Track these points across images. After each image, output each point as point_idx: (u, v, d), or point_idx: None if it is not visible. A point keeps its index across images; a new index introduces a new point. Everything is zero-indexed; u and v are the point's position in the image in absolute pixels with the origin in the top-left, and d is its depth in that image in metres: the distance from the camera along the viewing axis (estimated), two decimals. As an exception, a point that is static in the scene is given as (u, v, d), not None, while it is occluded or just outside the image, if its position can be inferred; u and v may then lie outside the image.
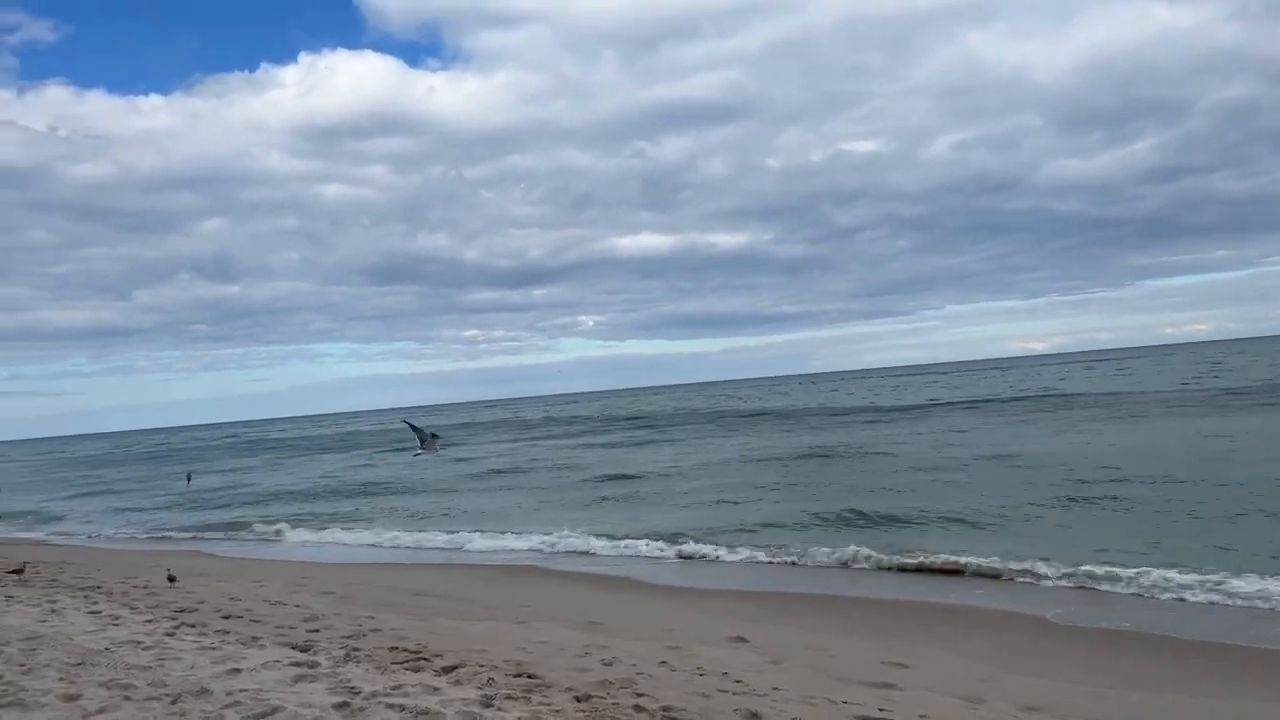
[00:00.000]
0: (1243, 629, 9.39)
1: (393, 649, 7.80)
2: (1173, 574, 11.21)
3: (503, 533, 19.31)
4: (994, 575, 12.43)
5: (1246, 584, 10.62)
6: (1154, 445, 25.32)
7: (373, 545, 19.90)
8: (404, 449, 45.48)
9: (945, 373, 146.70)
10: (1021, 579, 12.13)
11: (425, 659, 7.34)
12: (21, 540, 24.94)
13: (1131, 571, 11.48)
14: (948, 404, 54.93)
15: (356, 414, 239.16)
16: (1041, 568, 12.26)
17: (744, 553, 15.32)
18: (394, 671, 6.87)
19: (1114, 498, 17.38)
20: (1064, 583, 11.73)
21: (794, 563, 14.38)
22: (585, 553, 16.83)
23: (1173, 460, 21.47)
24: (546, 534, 18.44)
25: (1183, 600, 10.60)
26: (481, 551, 17.87)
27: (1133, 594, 11.02)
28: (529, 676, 6.79)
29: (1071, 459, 23.30)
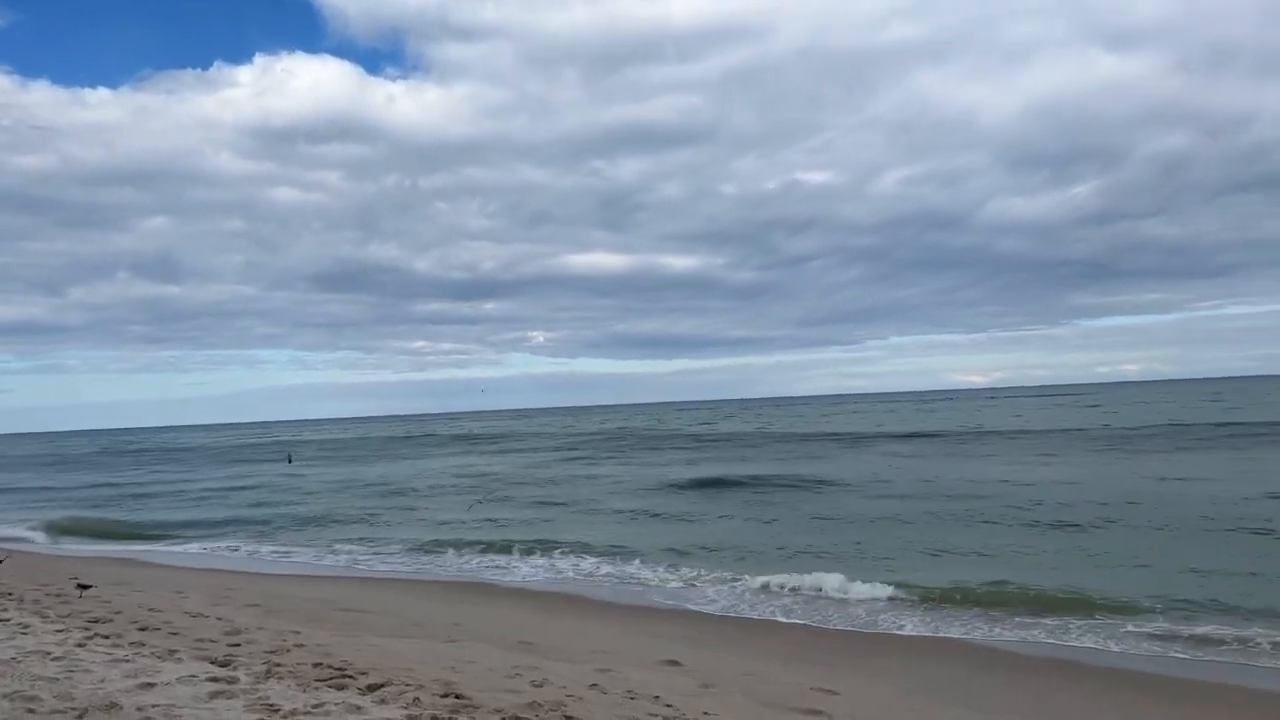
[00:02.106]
0: (1202, 667, 9.67)
1: (316, 665, 7.59)
2: (1096, 615, 11.51)
3: (439, 549, 19.06)
4: (931, 604, 12.59)
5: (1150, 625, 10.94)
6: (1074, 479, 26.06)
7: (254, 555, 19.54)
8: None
9: (884, 402, 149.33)
10: (967, 612, 12.15)
11: (350, 676, 7.16)
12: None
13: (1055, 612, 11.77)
14: (888, 434, 55.83)
15: (301, 423, 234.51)
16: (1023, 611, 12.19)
17: (680, 574, 15.34)
18: (316, 689, 6.69)
19: (1063, 525, 17.83)
20: (997, 614, 11.89)
21: (730, 588, 14.40)
22: (509, 569, 16.77)
23: (1096, 494, 22.12)
24: (481, 553, 18.33)
25: (1132, 633, 10.85)
26: (408, 566, 17.64)
27: (1063, 626, 11.25)
28: (456, 697, 6.67)
29: (1009, 491, 23.84)
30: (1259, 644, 9.99)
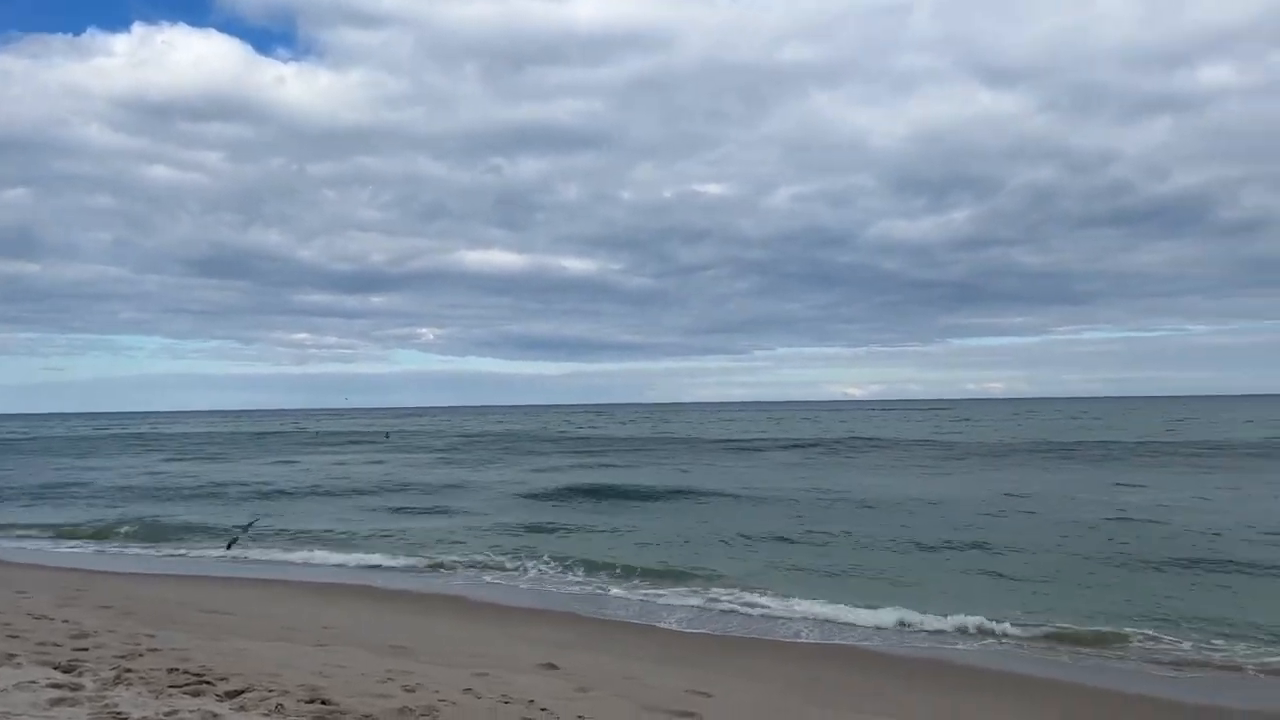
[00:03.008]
0: (1089, 671, 10.23)
1: (172, 671, 7.19)
2: (981, 620, 12.08)
3: (307, 549, 18.39)
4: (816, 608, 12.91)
5: (1017, 627, 11.60)
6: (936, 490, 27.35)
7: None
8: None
9: (766, 410, 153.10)
10: (845, 616, 12.39)
11: (208, 682, 6.81)
12: None
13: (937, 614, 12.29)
14: (774, 443, 57.20)
15: (170, 414, 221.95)
16: (859, 604, 12.73)
17: (563, 578, 15.29)
18: (170, 695, 6.33)
19: (935, 545, 18.61)
20: (882, 617, 12.19)
21: (614, 591, 14.43)
22: (382, 569, 16.41)
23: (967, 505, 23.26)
24: (349, 551, 17.82)
25: (1002, 640, 11.39)
26: (277, 564, 16.96)
27: (938, 630, 11.71)
28: (323, 703, 6.44)
29: (892, 501, 24.78)
30: (1085, 642, 10.75)
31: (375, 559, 17.20)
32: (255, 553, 18.11)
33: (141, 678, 6.86)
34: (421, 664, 8.71)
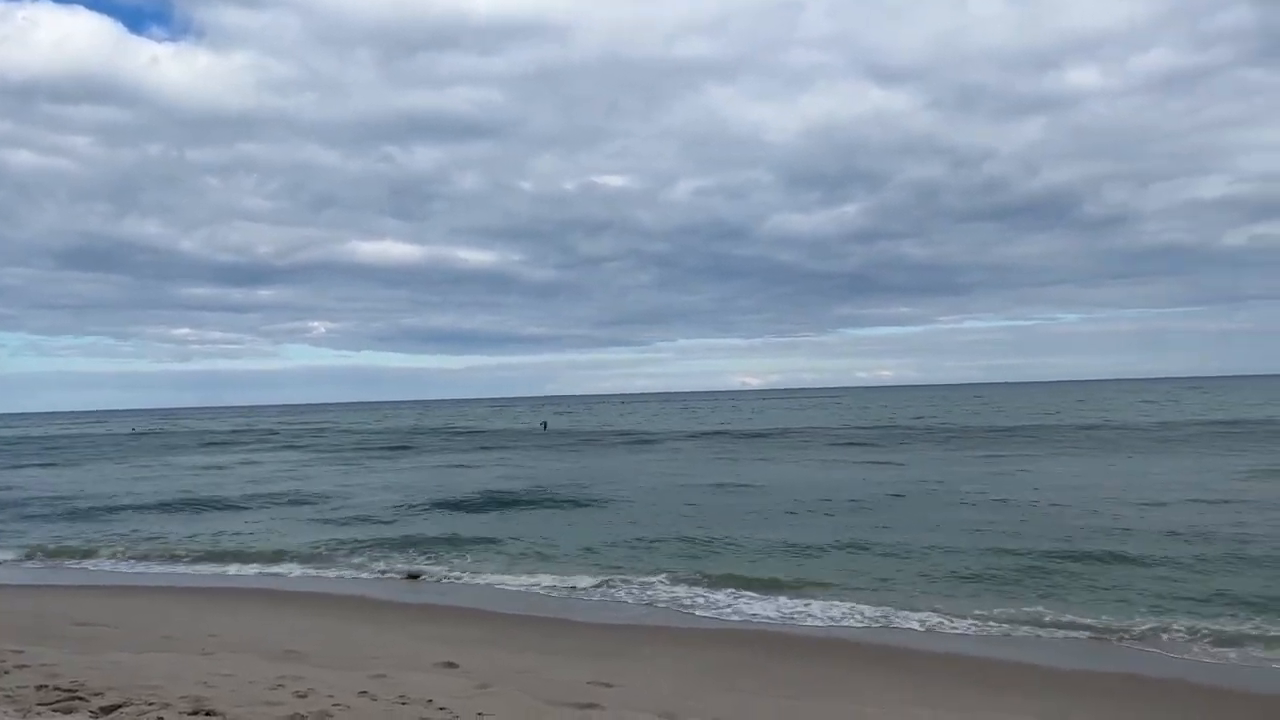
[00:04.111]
0: (979, 647, 10.64)
1: (41, 688, 6.75)
2: (902, 612, 12.49)
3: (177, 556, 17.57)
4: (709, 589, 13.12)
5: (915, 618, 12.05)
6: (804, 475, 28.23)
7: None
8: None
9: (668, 401, 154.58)
10: (740, 598, 12.77)
11: (81, 698, 6.42)
12: None
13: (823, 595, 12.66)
14: (677, 434, 57.77)
15: (36, 416, 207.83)
16: (756, 590, 13.05)
17: (464, 574, 15.08)
18: (39, 714, 5.95)
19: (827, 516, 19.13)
20: (784, 599, 12.54)
21: (514, 586, 14.31)
22: (276, 574, 15.85)
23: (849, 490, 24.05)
24: (247, 561, 17.05)
25: (922, 626, 11.79)
26: (154, 572, 16.16)
27: (831, 615, 12.08)
28: (207, 714, 6.16)
29: (785, 486, 25.35)
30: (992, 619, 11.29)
31: (256, 568, 16.48)
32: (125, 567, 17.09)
33: (8, 695, 6.41)
34: (315, 668, 8.43)
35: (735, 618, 11.93)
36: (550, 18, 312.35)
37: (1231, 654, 9.79)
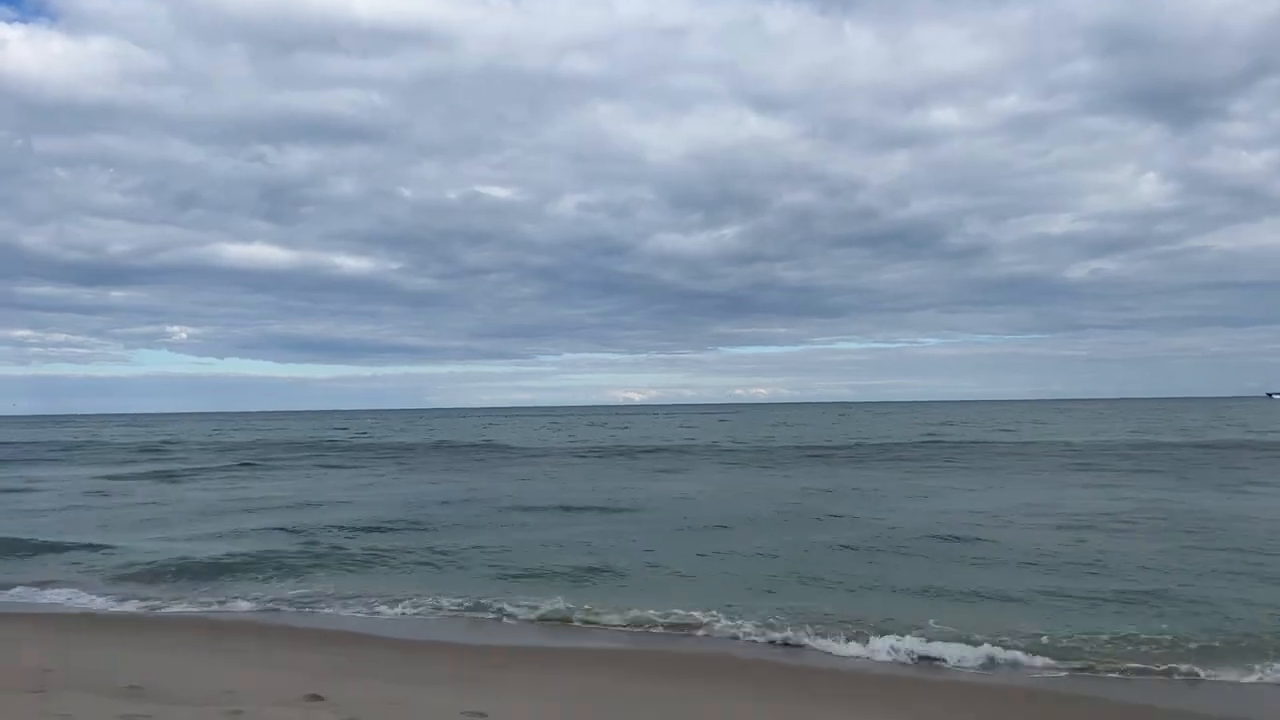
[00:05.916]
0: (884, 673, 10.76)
1: None
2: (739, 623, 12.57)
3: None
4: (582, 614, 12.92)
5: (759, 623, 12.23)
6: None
7: None
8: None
9: (549, 416, 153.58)
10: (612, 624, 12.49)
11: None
12: None
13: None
14: (562, 449, 57.30)
15: None
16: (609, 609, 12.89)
17: (326, 597, 14.32)
18: None
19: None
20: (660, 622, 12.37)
21: (385, 610, 13.70)
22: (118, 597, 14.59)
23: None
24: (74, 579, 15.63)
25: (741, 639, 11.87)
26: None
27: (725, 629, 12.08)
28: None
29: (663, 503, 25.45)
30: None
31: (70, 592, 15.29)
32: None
33: None
34: (163, 705, 7.83)
35: (619, 640, 11.78)
36: (434, 26, 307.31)
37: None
